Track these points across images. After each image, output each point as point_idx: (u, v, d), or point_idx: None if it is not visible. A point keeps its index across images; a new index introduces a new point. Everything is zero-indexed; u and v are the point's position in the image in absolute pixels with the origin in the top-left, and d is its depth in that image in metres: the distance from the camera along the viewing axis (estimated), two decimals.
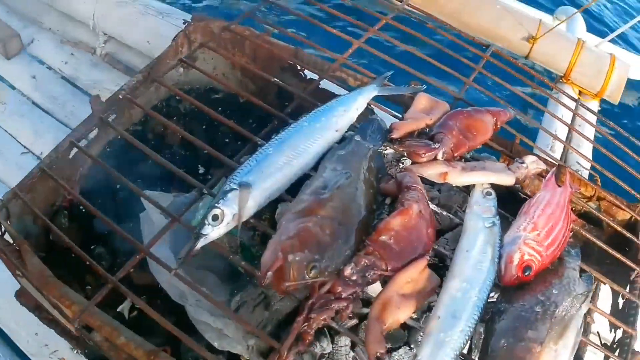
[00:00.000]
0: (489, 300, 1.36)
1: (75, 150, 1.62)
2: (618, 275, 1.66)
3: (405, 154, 1.56)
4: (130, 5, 2.90)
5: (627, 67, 2.93)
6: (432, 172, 1.53)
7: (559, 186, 1.57)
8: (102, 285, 1.28)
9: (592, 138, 2.06)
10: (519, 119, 1.81)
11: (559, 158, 1.75)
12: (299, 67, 1.91)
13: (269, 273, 1.19)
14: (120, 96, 1.70)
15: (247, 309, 1.49)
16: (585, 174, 1.97)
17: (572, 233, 1.53)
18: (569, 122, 2.10)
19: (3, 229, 1.46)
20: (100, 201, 1.80)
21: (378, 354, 1.22)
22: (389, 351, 1.45)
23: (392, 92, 1.76)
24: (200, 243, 1.31)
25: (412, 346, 1.46)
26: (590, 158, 1.96)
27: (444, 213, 1.55)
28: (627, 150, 1.90)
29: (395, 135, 1.57)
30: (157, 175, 1.79)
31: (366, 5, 2.15)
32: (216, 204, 1.32)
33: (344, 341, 1.45)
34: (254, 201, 1.38)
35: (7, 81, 2.93)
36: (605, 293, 1.66)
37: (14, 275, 1.49)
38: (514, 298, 1.37)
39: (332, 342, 1.45)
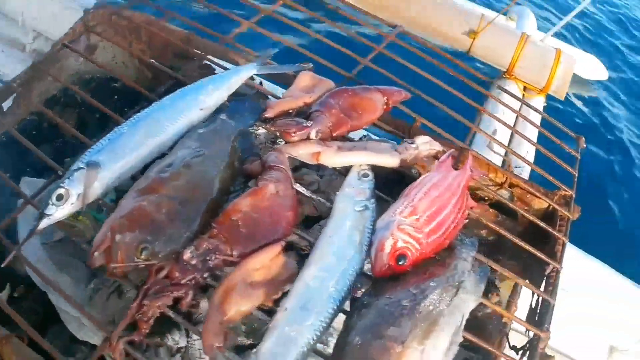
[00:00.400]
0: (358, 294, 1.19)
1: None
2: (536, 271, 1.47)
3: (278, 134, 1.40)
4: (58, 1, 2.82)
5: (573, 61, 2.78)
6: (304, 152, 1.36)
7: (456, 169, 1.39)
8: None
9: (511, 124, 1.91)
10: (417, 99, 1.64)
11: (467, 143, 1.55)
12: (191, 52, 1.78)
13: (96, 254, 1.09)
14: (15, 84, 1.65)
15: (101, 297, 1.38)
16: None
17: (467, 220, 1.35)
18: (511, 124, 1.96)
19: None
20: None
21: (215, 346, 1.05)
22: (251, 347, 1.34)
23: (273, 71, 1.62)
24: (44, 223, 1.19)
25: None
26: (506, 144, 1.79)
27: (320, 199, 1.38)
28: (549, 135, 1.72)
29: (269, 114, 1.42)
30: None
31: None
32: (61, 184, 1.21)
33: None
34: (101, 181, 1.26)
35: None
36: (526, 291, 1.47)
37: None
38: (383, 291, 1.18)
39: (187, 336, 1.34)
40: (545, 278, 1.44)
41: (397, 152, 1.42)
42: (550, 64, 2.70)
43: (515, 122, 2.19)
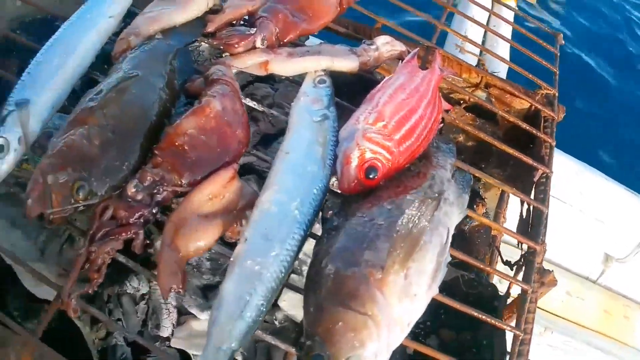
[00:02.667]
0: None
1: None
2: (524, 178, 1.42)
3: (221, 47, 1.30)
4: None
5: None
6: (250, 62, 1.26)
7: (424, 69, 1.31)
8: None
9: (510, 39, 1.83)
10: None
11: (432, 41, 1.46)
12: None
13: (29, 201, 0.99)
14: None
15: (53, 249, 1.32)
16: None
17: (441, 125, 1.28)
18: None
19: None
20: None
21: (173, 288, 0.98)
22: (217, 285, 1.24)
23: None
24: None
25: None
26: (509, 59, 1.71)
27: (275, 113, 1.29)
28: (527, 33, 1.64)
29: (210, 28, 1.30)
30: None
31: None
32: None
33: None
34: (37, 116, 1.18)
35: None
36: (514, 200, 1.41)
37: None
38: (354, 210, 1.10)
39: (149, 281, 1.29)
40: (534, 185, 1.38)
41: (356, 54, 1.33)
42: None
43: (488, 21, 2.10)
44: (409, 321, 0.99)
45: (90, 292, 1.03)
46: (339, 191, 1.14)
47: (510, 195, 1.42)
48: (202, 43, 1.33)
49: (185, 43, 1.30)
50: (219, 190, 1.08)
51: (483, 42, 2.25)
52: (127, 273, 1.26)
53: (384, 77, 1.39)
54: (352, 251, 1.00)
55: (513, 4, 2.66)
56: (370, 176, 1.12)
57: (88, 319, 1.21)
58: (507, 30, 2.04)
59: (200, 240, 1.04)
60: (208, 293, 1.29)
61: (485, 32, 2.02)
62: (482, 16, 2.09)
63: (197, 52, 1.34)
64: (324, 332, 0.92)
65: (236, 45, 1.26)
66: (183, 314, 1.26)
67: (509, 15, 2.04)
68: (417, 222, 1.04)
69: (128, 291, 1.25)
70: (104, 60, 1.33)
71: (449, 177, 1.20)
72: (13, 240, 1.27)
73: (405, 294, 0.97)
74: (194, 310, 1.23)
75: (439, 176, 1.18)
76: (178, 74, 1.24)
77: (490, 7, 1.95)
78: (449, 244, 1.09)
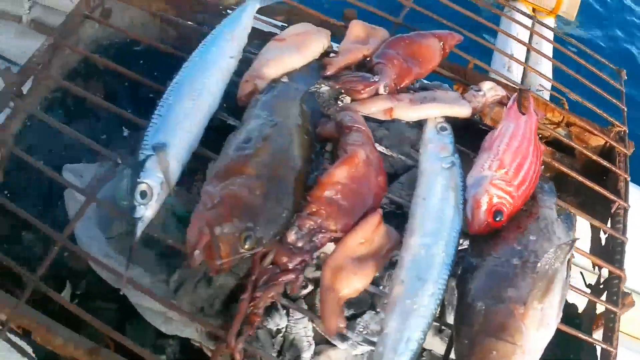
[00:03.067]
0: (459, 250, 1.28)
1: None
2: (597, 208, 1.61)
3: (343, 92, 1.44)
4: None
5: None
6: (376, 109, 1.40)
7: (523, 114, 1.48)
8: None
9: (551, 56, 2.02)
10: (470, 42, 1.71)
11: (519, 82, 1.65)
12: (220, 6, 1.77)
13: (196, 252, 1.08)
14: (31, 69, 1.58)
15: (187, 287, 1.39)
16: (547, 96, 1.91)
17: (543, 166, 1.46)
18: (525, 40, 2.05)
19: None
20: (24, 185, 1.71)
21: (339, 328, 1.13)
22: (353, 317, 1.40)
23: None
24: (140, 228, 1.20)
25: (378, 309, 1.40)
26: (551, 78, 1.90)
27: (395, 155, 1.44)
28: (591, 67, 1.84)
29: (330, 71, 1.43)
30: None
31: None
32: (138, 180, 1.20)
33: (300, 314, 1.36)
34: (176, 160, 1.27)
35: None
36: (582, 226, 1.59)
37: None
38: (486, 250, 1.27)
39: (288, 315, 1.39)
40: (610, 217, 1.59)
41: (467, 100, 1.49)
42: None
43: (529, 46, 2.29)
44: (543, 346, 1.17)
45: (252, 334, 1.16)
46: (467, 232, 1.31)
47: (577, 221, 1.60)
48: (323, 85, 1.45)
49: (308, 86, 1.42)
50: (369, 234, 1.22)
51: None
52: (269, 309, 1.37)
53: (480, 117, 1.56)
54: (497, 289, 1.17)
55: (552, 23, 2.85)
56: (497, 219, 1.29)
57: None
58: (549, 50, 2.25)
59: (358, 283, 1.18)
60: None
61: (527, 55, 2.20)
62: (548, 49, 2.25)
63: (317, 94, 1.45)
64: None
65: (362, 92, 1.40)
66: (317, 344, 1.40)
67: (548, 47, 2.24)
68: (553, 264, 1.22)
69: (269, 326, 1.37)
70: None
71: (556, 217, 1.38)
72: (137, 279, 1.34)
73: (542, 324, 1.15)
74: (336, 342, 1.36)
75: (548, 216, 1.36)
76: (309, 117, 1.37)
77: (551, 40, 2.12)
78: (569, 280, 1.28)
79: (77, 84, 1.61)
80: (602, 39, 5.10)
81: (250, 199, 1.15)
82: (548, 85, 1.89)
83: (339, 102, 1.47)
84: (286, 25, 1.66)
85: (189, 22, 1.74)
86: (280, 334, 1.38)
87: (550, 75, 2.11)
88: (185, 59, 1.45)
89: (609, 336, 1.41)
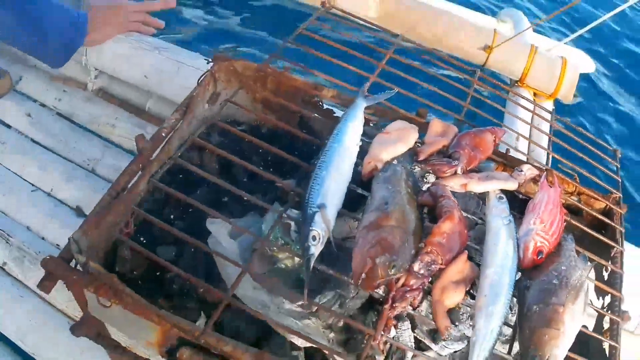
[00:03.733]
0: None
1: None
2: (597, 254, 2.41)
3: (431, 171, 2.24)
4: (124, 40, 3.28)
5: (578, 69, 3.78)
6: (455, 184, 2.20)
7: (551, 186, 2.31)
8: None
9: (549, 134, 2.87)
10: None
11: (545, 163, 2.50)
12: (317, 99, 2.55)
13: (363, 275, 1.80)
14: (164, 133, 2.17)
15: (325, 307, 2.04)
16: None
17: (565, 223, 2.28)
18: (528, 120, 2.89)
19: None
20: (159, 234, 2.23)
21: (448, 326, 1.90)
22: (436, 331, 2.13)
23: (378, 100, 2.39)
24: (312, 263, 1.87)
25: (456, 323, 2.13)
26: (551, 150, 2.72)
27: (471, 217, 2.25)
28: (592, 148, 2.73)
29: (422, 157, 2.23)
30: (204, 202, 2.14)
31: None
32: (311, 228, 1.89)
33: (406, 325, 2.09)
34: (331, 215, 1.98)
35: (2, 120, 3.27)
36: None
37: (94, 306, 1.90)
38: (534, 276, 2.04)
39: (396, 327, 2.04)
40: (610, 259, 2.41)
41: (514, 178, 2.32)
42: (558, 72, 3.60)
43: (531, 129, 3.09)
44: (576, 332, 1.95)
45: (389, 334, 1.91)
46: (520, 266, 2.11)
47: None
48: (416, 167, 2.24)
49: (410, 166, 2.23)
50: (461, 267, 2.01)
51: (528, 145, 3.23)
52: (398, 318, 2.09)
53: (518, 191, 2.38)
54: (546, 298, 1.95)
55: (550, 105, 3.68)
56: (539, 257, 2.09)
57: None
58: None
59: (457, 297, 1.96)
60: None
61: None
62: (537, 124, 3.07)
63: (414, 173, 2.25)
64: (537, 342, 1.89)
65: (446, 172, 2.21)
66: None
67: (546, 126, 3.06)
68: (580, 279, 2.02)
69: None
70: None
71: (576, 255, 2.18)
72: (279, 305, 2.00)
73: (573, 318, 1.93)
74: (431, 344, 2.10)
75: (572, 255, 2.16)
76: (413, 189, 2.16)
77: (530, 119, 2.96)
78: (589, 293, 2.08)
79: (194, 156, 2.34)
80: (596, 117, 6.20)
81: (394, 241, 1.87)
82: (567, 165, 2.70)
83: (424, 179, 2.25)
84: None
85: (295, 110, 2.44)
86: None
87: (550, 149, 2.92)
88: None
89: (614, 336, 2.19)
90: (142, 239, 2.19)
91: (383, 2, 3.70)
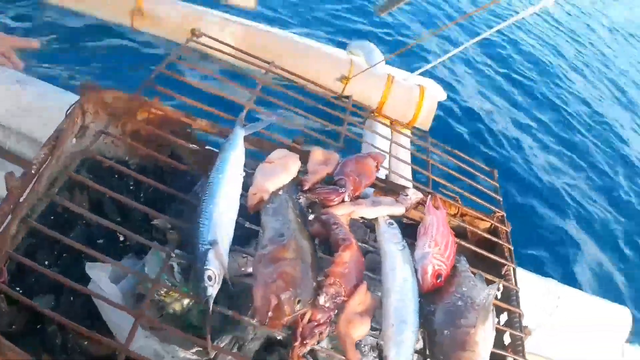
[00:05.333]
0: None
1: None
2: (487, 272, 2.67)
3: (318, 201, 2.39)
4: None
5: (436, 97, 4.16)
6: (344, 212, 2.38)
7: (437, 209, 2.55)
8: None
9: (409, 162, 3.17)
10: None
11: (429, 187, 2.75)
12: (189, 130, 2.62)
13: (270, 313, 1.87)
14: (33, 170, 2.13)
15: (224, 356, 2.12)
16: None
17: (457, 245, 2.52)
18: (387, 150, 3.13)
19: None
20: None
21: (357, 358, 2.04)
22: None
23: (257, 128, 2.56)
24: (211, 303, 1.93)
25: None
26: (411, 178, 2.97)
27: (365, 246, 2.42)
28: (470, 169, 3.03)
29: (307, 186, 2.38)
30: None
31: None
32: (205, 267, 1.96)
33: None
34: (225, 253, 2.05)
35: None
36: None
37: None
38: (437, 299, 2.23)
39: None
40: (502, 276, 2.68)
41: (400, 203, 2.53)
42: (416, 100, 3.98)
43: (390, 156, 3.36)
44: (489, 352, 2.17)
45: None
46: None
47: None
48: (301, 197, 2.39)
49: (296, 196, 2.36)
50: (364, 297, 2.17)
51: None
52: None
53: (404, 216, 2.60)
54: (454, 321, 2.15)
55: (408, 134, 3.97)
56: (439, 280, 2.30)
57: None
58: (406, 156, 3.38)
59: (363, 329, 2.10)
60: None
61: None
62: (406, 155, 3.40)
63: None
64: None
65: (333, 200, 2.37)
66: None
67: (406, 153, 3.37)
68: (487, 299, 2.23)
69: None
70: None
71: (472, 275, 2.42)
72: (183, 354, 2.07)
73: (485, 338, 2.14)
74: None
75: (468, 275, 2.40)
76: (302, 218, 2.29)
77: (389, 146, 3.27)
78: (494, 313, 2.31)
79: (65, 196, 2.31)
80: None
81: (295, 274, 1.97)
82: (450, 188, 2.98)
83: (310, 209, 2.40)
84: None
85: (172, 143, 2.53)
86: None
87: (410, 176, 3.13)
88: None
89: (519, 351, 2.44)
90: (17, 288, 2.16)
91: (247, 35, 3.88)
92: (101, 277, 2.14)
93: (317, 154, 2.56)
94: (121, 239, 2.41)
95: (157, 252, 2.21)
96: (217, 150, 2.48)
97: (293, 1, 8.64)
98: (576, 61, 13.38)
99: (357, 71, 3.97)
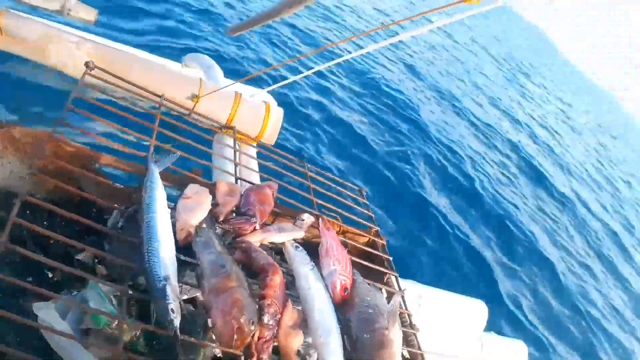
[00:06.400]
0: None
1: None
2: (371, 280, 3.27)
3: (232, 230, 2.85)
4: None
5: (281, 112, 4.65)
6: (256, 239, 2.85)
7: (328, 230, 3.11)
8: None
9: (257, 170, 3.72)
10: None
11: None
12: (95, 165, 2.93)
13: (236, 336, 2.33)
14: None
15: None
16: None
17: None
18: (234, 161, 3.58)
19: None
20: None
21: None
22: None
23: (167, 164, 2.95)
24: (177, 332, 2.29)
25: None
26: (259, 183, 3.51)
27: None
28: (341, 189, 3.63)
29: (221, 218, 2.83)
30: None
31: None
32: (167, 302, 2.31)
33: None
34: (176, 286, 2.42)
35: None
36: None
37: None
38: (349, 309, 2.78)
39: None
40: (384, 283, 3.29)
41: (299, 227, 3.06)
42: (262, 117, 4.47)
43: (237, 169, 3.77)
44: (400, 348, 2.78)
45: None
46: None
47: None
48: (218, 228, 2.83)
49: (214, 229, 2.80)
50: (292, 313, 2.68)
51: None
52: None
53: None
54: (369, 325, 2.72)
55: (254, 150, 4.34)
56: (346, 292, 2.86)
57: None
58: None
59: (299, 340, 2.61)
60: None
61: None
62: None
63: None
64: None
65: (247, 230, 2.85)
66: None
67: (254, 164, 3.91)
68: (394, 304, 2.83)
69: None
70: None
71: (367, 286, 3.00)
72: None
73: (397, 336, 2.75)
74: None
75: (364, 286, 2.97)
76: (227, 247, 2.73)
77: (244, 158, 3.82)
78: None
79: None
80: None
81: (245, 300, 2.42)
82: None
83: (224, 237, 2.85)
84: None
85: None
86: None
87: (258, 182, 3.63)
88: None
89: (414, 346, 3.08)
90: None
91: (103, 53, 4.11)
92: (51, 315, 2.41)
93: (222, 186, 3.02)
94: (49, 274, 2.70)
95: (97, 286, 2.50)
96: (121, 186, 2.91)
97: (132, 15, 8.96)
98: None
99: (207, 90, 4.36)
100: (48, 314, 2.42)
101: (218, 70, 5.31)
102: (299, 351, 2.71)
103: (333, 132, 9.73)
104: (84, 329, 2.43)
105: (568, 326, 10.30)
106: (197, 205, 2.80)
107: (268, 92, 5.23)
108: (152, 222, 2.59)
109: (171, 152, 3.04)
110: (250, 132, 4.51)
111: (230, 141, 4.03)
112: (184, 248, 2.68)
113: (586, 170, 21.61)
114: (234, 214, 2.97)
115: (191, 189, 2.92)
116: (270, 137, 4.65)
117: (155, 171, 2.86)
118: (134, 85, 3.53)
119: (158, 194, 2.74)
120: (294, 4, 3.10)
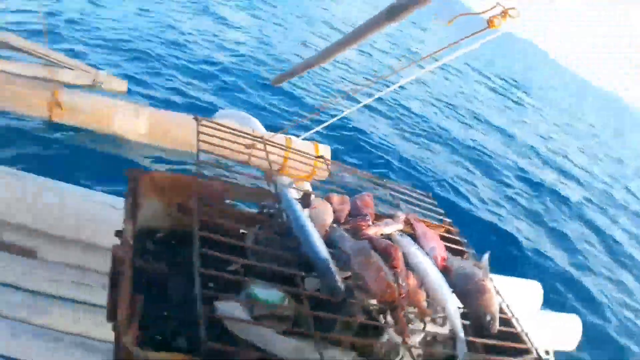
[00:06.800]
0: None
1: None
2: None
3: (350, 228, 3.76)
4: None
5: (328, 148, 5.57)
6: (373, 232, 3.76)
7: (419, 222, 4.06)
8: None
9: None
10: None
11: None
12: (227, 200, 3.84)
13: (388, 291, 3.25)
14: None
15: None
16: None
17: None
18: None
19: None
20: None
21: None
22: None
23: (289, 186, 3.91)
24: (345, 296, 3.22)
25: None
26: None
27: None
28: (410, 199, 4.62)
29: (343, 220, 3.78)
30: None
31: None
32: (333, 274, 3.17)
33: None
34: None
35: None
36: None
37: None
38: (450, 272, 3.70)
39: None
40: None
41: (397, 222, 4.00)
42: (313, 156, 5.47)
43: None
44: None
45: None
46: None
47: None
48: (340, 227, 3.77)
49: (339, 227, 3.75)
50: (414, 279, 3.60)
51: None
52: None
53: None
54: (469, 279, 3.67)
55: None
56: (444, 262, 3.83)
57: None
58: None
59: (423, 296, 3.54)
60: None
61: None
62: None
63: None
64: (484, 305, 3.60)
65: (364, 226, 3.78)
66: None
67: None
68: (487, 261, 3.79)
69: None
70: None
71: (456, 258, 3.94)
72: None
73: (492, 285, 3.71)
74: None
75: (455, 258, 3.93)
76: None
77: None
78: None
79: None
80: None
81: (385, 268, 3.31)
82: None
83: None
84: None
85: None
86: None
87: None
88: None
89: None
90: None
91: (160, 120, 4.94)
92: (235, 311, 3.08)
93: (336, 198, 3.97)
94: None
95: (257, 284, 3.28)
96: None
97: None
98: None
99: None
100: (232, 309, 3.06)
101: (254, 122, 6.13)
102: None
103: None
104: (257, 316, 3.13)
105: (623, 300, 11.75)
106: (325, 212, 3.74)
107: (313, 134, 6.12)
108: (305, 226, 3.47)
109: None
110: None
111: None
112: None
113: None
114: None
115: (315, 201, 3.86)
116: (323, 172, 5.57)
117: (286, 190, 3.79)
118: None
119: (299, 207, 3.65)
120: (326, 57, 4.05)
